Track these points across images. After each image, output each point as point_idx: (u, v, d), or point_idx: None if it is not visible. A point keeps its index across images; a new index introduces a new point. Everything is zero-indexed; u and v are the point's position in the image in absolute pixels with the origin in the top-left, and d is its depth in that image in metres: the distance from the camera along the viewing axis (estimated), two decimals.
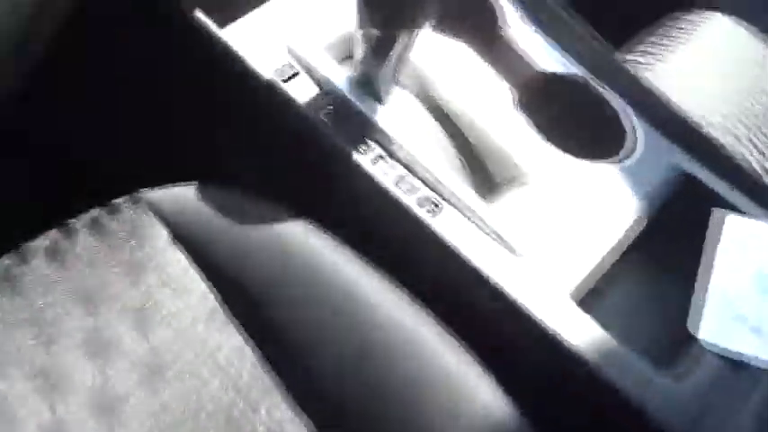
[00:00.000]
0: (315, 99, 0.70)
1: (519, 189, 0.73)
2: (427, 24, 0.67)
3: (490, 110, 0.76)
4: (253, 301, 0.60)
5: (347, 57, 0.75)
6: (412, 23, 0.64)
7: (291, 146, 0.72)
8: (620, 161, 0.77)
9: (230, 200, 0.64)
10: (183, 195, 0.64)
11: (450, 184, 0.69)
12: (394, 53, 0.67)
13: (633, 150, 0.78)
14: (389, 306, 0.61)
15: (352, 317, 0.60)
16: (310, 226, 0.64)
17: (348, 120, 0.70)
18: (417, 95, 0.76)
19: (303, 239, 0.63)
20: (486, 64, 0.79)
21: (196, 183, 0.64)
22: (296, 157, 0.73)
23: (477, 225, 0.68)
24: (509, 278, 0.65)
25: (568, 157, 0.75)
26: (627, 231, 0.72)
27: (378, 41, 0.67)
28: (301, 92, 0.70)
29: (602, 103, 0.81)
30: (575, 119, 0.80)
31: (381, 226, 0.69)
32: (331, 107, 0.70)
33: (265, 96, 0.68)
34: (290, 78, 0.70)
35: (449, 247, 0.66)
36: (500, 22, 0.82)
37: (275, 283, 0.61)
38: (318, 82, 0.71)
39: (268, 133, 0.74)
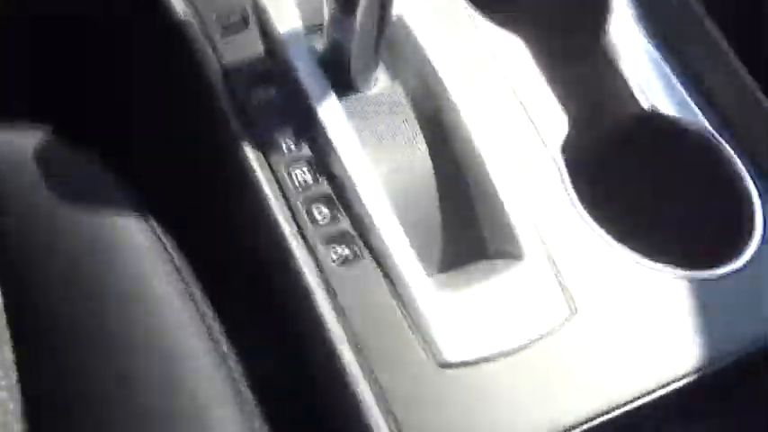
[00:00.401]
0: (250, 64, 0.49)
1: (511, 270, 0.46)
2: None
3: (517, 144, 0.49)
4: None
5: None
6: None
7: (188, 124, 0.52)
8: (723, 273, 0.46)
9: (71, 165, 0.47)
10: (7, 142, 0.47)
11: (389, 229, 0.44)
12: (361, 14, 0.44)
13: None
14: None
15: None
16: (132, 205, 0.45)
17: (290, 104, 0.48)
18: (412, 95, 0.51)
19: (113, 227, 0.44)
20: (544, 77, 0.51)
21: (40, 129, 0.47)
22: (184, 135, 0.53)
23: (404, 305, 0.43)
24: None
25: (622, 253, 0.46)
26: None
27: None
28: (237, 52, 0.49)
29: (730, 177, 0.49)
30: (664, 194, 0.49)
31: (257, 255, 0.47)
32: (272, 86, 0.49)
33: (173, 47, 0.49)
34: (232, 30, 0.50)
35: (326, 325, 0.41)
36: (601, 21, 0.54)
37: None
38: (269, 44, 0.50)
39: (165, 97, 0.55)
